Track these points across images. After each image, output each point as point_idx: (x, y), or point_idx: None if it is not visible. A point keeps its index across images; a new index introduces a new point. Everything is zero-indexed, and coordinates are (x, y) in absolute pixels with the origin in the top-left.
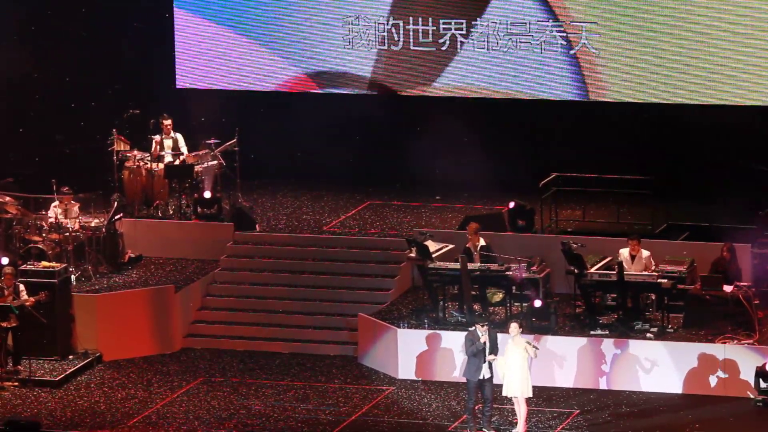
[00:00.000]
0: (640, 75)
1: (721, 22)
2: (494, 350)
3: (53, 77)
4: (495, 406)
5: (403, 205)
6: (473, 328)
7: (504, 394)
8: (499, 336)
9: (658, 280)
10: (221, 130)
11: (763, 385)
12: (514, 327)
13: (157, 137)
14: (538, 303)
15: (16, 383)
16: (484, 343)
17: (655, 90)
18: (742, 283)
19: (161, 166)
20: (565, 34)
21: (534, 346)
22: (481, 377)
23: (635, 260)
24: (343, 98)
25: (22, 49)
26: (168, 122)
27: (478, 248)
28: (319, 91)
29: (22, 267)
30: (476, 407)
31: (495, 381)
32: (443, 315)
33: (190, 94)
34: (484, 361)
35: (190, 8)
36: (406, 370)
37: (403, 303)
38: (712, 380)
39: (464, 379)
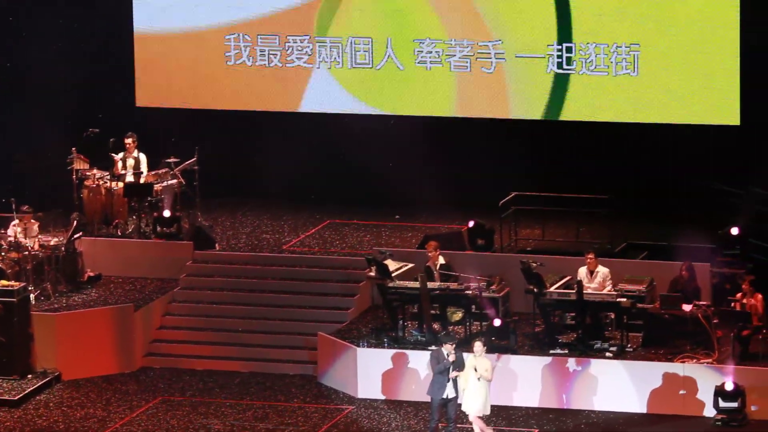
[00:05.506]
0: (599, 94)
1: (672, 43)
2: (460, 369)
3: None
4: (458, 425)
5: (363, 224)
6: (439, 346)
7: (463, 409)
8: (464, 355)
9: (618, 299)
10: (180, 148)
11: (722, 404)
12: (478, 345)
13: (119, 155)
14: (497, 322)
15: None
16: (452, 361)
17: (613, 109)
18: (701, 302)
19: (120, 185)
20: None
21: (485, 370)
22: (444, 396)
23: (593, 275)
24: (303, 117)
25: None
26: (130, 140)
27: (438, 266)
28: (280, 110)
29: None
30: (438, 425)
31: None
32: (403, 334)
33: (149, 113)
34: (449, 380)
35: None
36: (365, 389)
37: (362, 322)
38: (672, 399)
39: (425, 399)
